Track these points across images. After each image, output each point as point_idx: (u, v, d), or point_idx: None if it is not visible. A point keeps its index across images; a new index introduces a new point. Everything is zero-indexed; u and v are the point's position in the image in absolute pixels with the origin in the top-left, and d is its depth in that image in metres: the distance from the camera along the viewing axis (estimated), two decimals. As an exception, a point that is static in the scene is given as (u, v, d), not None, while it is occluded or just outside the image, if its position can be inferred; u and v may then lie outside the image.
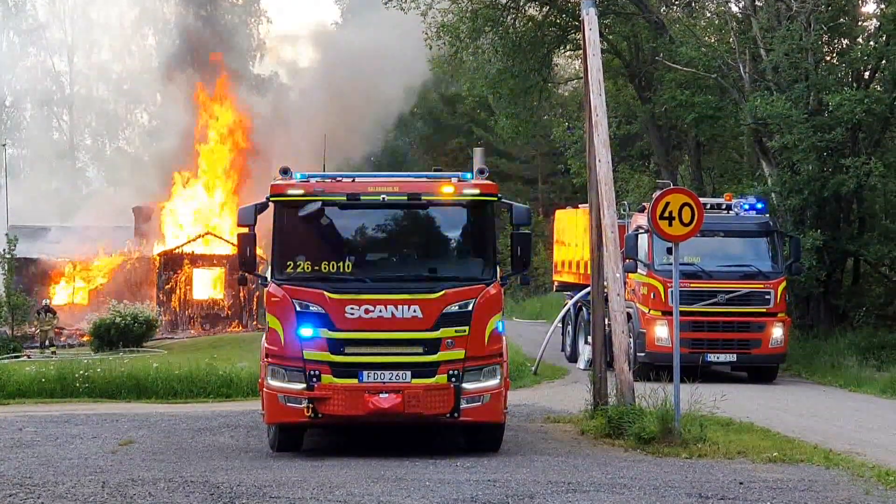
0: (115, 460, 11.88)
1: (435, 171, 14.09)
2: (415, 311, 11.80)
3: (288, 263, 12.11)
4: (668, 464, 11.66)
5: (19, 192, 49.55)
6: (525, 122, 30.71)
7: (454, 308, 11.84)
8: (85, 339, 35.29)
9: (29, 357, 30.84)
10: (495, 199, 12.34)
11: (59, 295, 42.46)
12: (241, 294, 41.26)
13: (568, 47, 31.39)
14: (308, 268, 12.11)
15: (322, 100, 46.63)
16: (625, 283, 16.72)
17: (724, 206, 20.73)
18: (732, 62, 25.28)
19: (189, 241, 42.33)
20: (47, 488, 10.01)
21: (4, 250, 35.31)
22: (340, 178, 12.66)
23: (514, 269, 12.54)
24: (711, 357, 19.64)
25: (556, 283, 26.16)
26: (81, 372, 19.33)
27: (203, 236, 42.81)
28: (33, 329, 34.70)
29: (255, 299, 40.30)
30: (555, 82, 34.75)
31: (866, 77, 25.48)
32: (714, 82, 25.66)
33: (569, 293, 23.84)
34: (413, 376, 11.76)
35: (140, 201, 46.68)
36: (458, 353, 11.82)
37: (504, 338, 12.38)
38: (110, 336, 33.17)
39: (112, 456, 12.23)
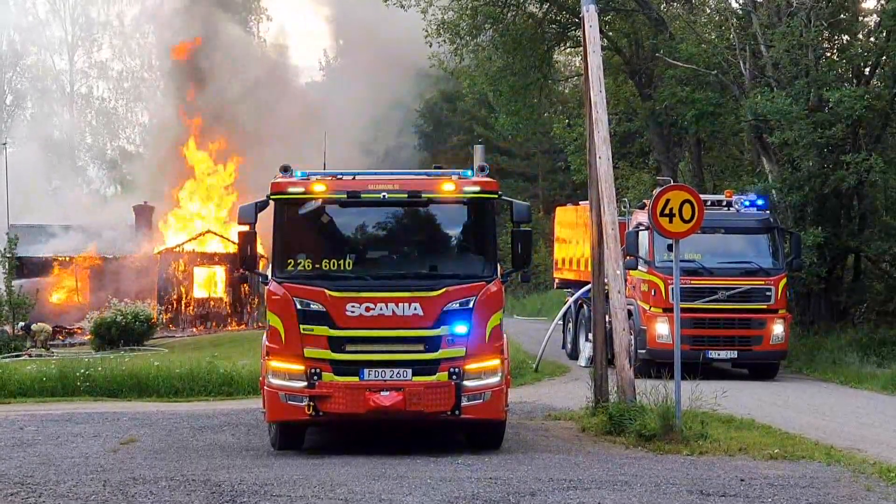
0: (117, 459, 11.88)
1: (435, 168, 14.08)
2: (415, 309, 11.80)
3: (288, 261, 12.12)
4: (670, 461, 11.66)
5: (19, 190, 49.66)
6: (525, 120, 30.67)
7: (455, 305, 11.84)
8: (87, 337, 35.38)
9: (30, 356, 30.83)
10: (496, 196, 12.34)
11: (60, 293, 42.59)
12: (242, 293, 41.37)
13: (568, 44, 31.39)
14: (309, 266, 12.12)
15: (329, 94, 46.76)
16: (625, 280, 16.71)
17: (724, 203, 20.72)
18: (732, 59, 25.26)
19: (189, 240, 42.38)
20: (48, 487, 10.01)
21: (5, 249, 35.28)
22: (341, 176, 12.65)
23: (515, 266, 12.55)
24: (712, 354, 19.63)
25: (556, 281, 26.15)
26: (82, 371, 19.33)
27: (203, 234, 42.89)
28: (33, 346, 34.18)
29: (255, 298, 40.43)
30: (555, 79, 34.67)
31: (866, 73, 25.47)
32: (714, 79, 25.64)
33: (569, 290, 23.83)
34: (414, 374, 11.76)
35: (141, 200, 46.82)
36: (459, 351, 11.82)
37: (505, 335, 12.38)
38: (111, 335, 33.24)
39: (113, 455, 12.23)
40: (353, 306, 11.80)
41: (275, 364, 11.95)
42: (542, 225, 40.51)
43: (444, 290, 11.86)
